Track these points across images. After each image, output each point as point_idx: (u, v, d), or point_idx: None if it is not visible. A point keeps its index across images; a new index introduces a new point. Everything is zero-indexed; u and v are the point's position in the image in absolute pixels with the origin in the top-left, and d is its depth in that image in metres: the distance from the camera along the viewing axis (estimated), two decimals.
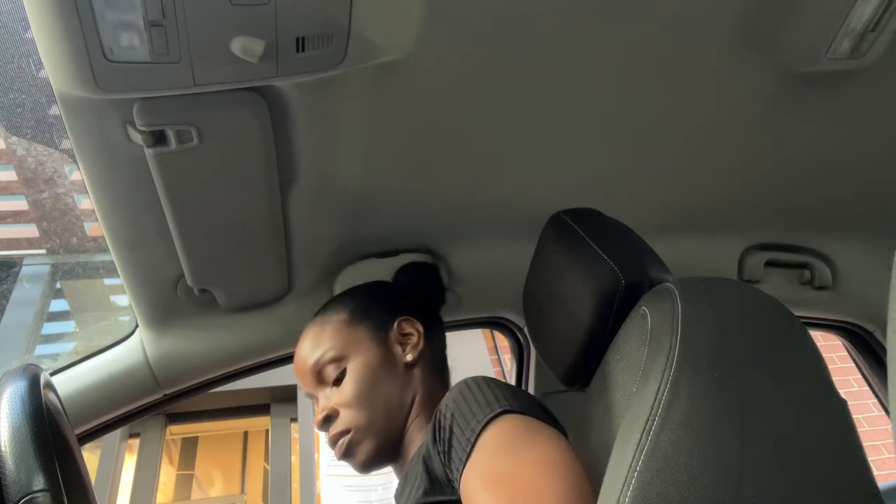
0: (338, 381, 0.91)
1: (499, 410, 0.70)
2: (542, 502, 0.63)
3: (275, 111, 0.78)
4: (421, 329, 0.95)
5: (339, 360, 0.91)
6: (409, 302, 1.02)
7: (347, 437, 0.88)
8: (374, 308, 0.97)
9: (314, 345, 0.94)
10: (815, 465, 0.52)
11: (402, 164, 0.95)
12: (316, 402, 0.94)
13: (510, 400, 0.72)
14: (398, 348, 0.93)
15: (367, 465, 0.89)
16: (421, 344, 0.94)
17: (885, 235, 1.19)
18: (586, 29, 0.77)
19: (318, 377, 0.92)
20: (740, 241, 1.24)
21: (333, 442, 0.89)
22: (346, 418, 0.88)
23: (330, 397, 0.91)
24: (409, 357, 0.92)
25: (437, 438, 0.73)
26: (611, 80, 0.86)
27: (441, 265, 1.16)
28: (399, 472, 0.91)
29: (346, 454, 0.88)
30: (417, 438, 0.88)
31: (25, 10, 0.58)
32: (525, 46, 0.78)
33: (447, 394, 0.76)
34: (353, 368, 0.90)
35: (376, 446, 0.88)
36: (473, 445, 0.68)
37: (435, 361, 0.97)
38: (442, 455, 0.72)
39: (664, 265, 0.80)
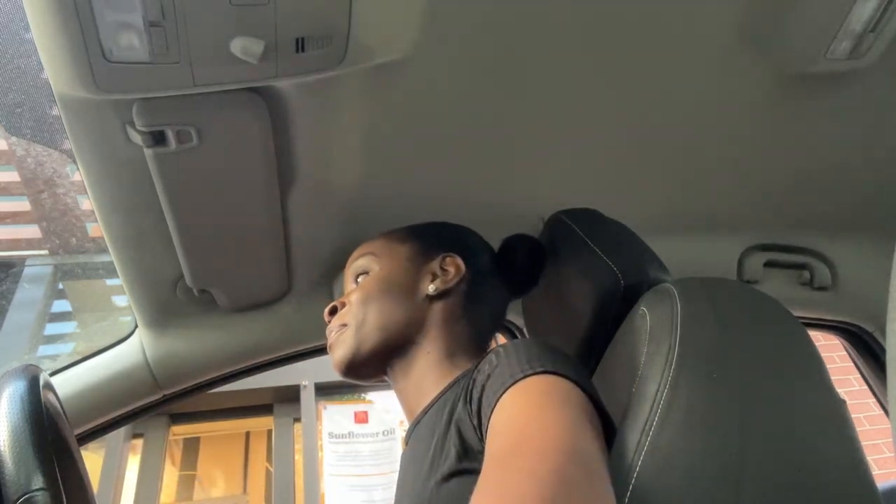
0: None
1: (540, 370, 0.64)
2: (547, 461, 0.54)
3: (275, 111, 0.78)
4: (463, 269, 0.88)
5: (371, 262, 0.91)
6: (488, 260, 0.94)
7: (336, 332, 0.88)
8: (431, 238, 0.93)
9: (365, 246, 0.95)
10: (813, 464, 0.52)
11: (401, 164, 0.95)
12: None
13: (559, 365, 0.65)
14: (428, 278, 0.89)
15: (340, 367, 0.87)
16: (452, 283, 0.87)
17: (885, 236, 1.18)
18: (586, 29, 0.78)
19: (353, 275, 0.93)
20: (740, 241, 1.24)
21: (329, 332, 0.89)
22: (344, 313, 0.88)
23: (349, 293, 0.91)
24: (431, 288, 0.87)
25: (474, 384, 0.68)
26: (610, 80, 0.86)
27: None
28: (409, 415, 0.87)
29: (331, 347, 0.88)
30: (428, 378, 0.84)
31: (25, 10, 0.58)
32: (524, 47, 0.78)
33: (498, 346, 0.71)
34: (374, 274, 0.90)
35: (353, 353, 0.85)
36: (508, 388, 0.63)
37: (471, 311, 0.89)
38: (471, 404, 0.67)
39: (663, 265, 0.80)
